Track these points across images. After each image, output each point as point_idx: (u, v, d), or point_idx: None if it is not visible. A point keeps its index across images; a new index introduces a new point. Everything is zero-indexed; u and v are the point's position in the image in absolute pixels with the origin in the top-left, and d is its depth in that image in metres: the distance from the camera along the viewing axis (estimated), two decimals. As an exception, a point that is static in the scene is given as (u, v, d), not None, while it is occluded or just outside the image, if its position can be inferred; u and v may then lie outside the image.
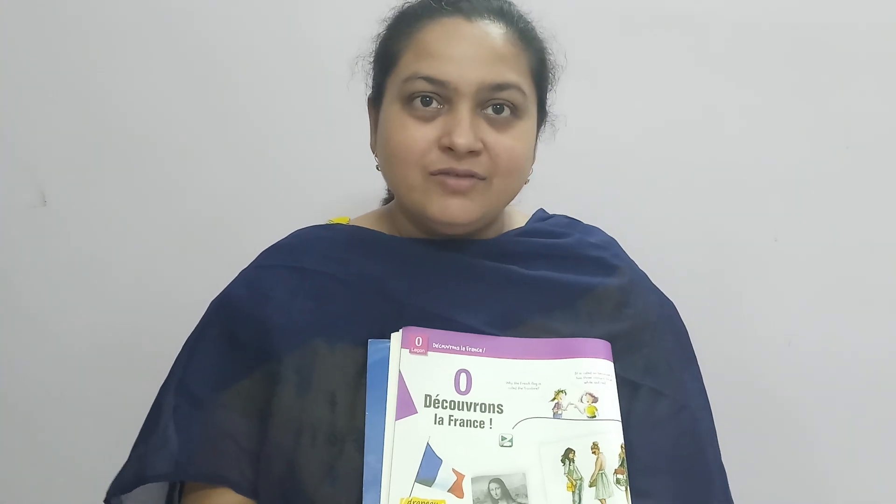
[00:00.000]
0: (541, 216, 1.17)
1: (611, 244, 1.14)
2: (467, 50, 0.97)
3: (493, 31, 0.99)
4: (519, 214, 1.15)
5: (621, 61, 1.50)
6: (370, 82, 1.09)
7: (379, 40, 1.07)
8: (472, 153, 0.97)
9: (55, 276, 1.58)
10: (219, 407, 0.99)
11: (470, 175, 0.98)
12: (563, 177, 1.32)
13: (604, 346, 0.98)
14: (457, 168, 0.97)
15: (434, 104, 0.98)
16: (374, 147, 1.07)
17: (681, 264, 1.48)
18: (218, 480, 0.98)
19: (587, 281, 1.06)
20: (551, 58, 1.07)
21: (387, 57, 1.03)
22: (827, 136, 1.50)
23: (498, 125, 0.99)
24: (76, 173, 1.56)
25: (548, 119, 1.10)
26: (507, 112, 0.99)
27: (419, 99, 0.98)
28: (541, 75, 1.05)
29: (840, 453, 1.54)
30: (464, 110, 0.97)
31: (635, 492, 0.93)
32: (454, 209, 0.99)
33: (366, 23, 1.07)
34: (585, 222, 1.18)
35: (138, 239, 1.57)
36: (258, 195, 1.55)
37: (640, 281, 1.11)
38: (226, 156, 1.55)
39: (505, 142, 0.99)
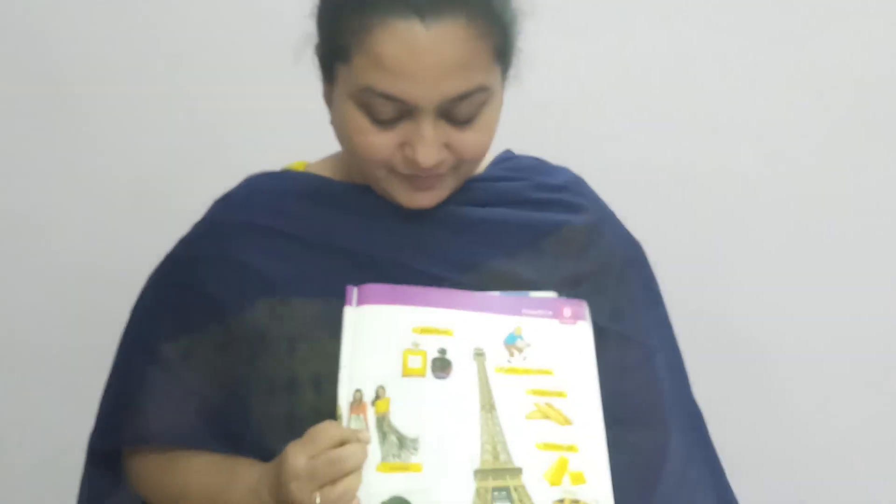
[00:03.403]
0: (505, 156, 1.13)
1: (577, 182, 1.12)
2: (426, 65, 0.89)
3: (453, 34, 0.89)
4: None
5: (595, 6, 1.49)
6: (316, 32, 1.00)
7: (321, 12, 0.98)
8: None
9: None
10: (177, 367, 1.00)
11: (437, 175, 0.97)
12: (535, 124, 1.31)
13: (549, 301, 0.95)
14: (422, 175, 0.95)
15: (393, 111, 0.92)
16: (328, 99, 1.02)
17: (653, 211, 1.45)
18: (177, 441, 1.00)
19: (552, 219, 1.04)
20: (517, 16, 0.98)
21: (333, 44, 0.95)
22: (802, 81, 1.51)
23: (461, 124, 0.94)
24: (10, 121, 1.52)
25: (513, 64, 1.02)
26: (471, 111, 0.94)
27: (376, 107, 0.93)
28: (507, 44, 0.97)
29: (812, 398, 1.59)
30: (426, 124, 0.91)
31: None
32: (422, 200, 0.99)
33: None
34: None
35: (80, 188, 1.54)
36: (210, 144, 1.53)
37: (608, 219, 1.09)
38: (176, 101, 1.52)
39: (469, 138, 0.95)
